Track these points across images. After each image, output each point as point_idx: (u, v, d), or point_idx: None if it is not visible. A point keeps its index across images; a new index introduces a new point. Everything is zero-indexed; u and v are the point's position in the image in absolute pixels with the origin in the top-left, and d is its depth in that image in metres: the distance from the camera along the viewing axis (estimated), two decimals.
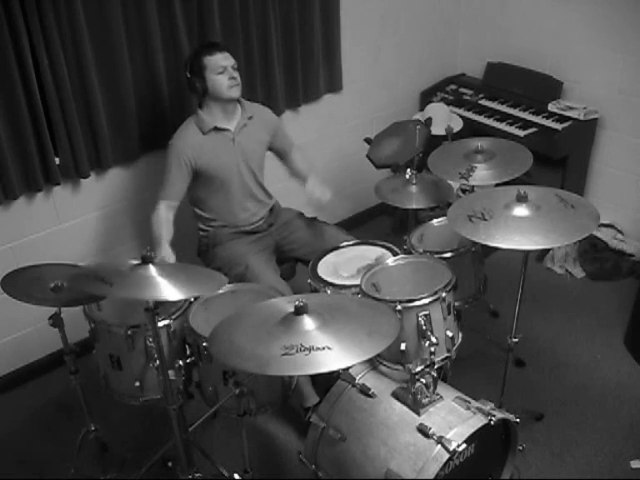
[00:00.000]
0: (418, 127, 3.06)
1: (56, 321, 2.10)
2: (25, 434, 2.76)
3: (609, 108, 3.56)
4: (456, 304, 2.20)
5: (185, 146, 2.59)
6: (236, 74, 2.60)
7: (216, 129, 2.64)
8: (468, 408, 1.92)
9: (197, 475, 2.16)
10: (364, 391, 2.02)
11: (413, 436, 1.86)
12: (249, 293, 2.28)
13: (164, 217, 2.58)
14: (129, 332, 2.07)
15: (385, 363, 2.09)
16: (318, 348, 1.55)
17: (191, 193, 2.70)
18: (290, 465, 2.51)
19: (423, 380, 1.90)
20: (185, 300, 2.19)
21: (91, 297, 2.09)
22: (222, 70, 2.56)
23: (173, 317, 2.12)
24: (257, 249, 2.73)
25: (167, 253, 2.47)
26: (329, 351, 1.55)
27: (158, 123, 2.98)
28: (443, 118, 3.71)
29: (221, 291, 2.27)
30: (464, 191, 3.30)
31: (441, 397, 1.95)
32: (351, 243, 2.62)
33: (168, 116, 2.98)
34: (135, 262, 1.81)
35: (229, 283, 2.38)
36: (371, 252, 2.52)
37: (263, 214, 2.85)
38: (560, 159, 3.58)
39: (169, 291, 1.70)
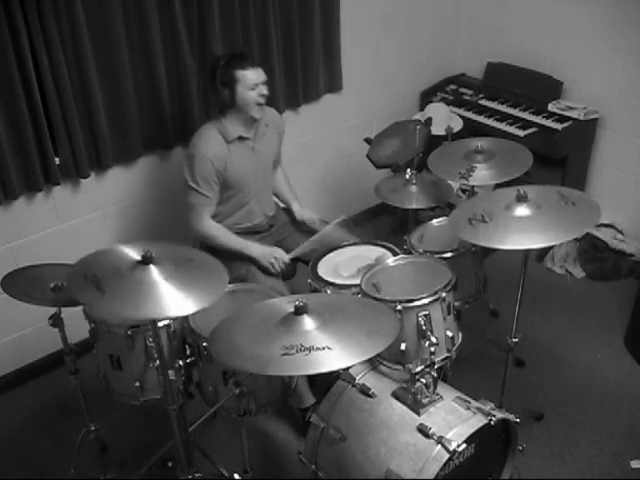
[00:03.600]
0: (418, 127, 3.06)
1: (56, 321, 2.10)
2: (25, 434, 2.76)
3: (609, 108, 3.56)
4: (456, 304, 2.21)
5: (215, 157, 2.55)
6: (266, 90, 2.57)
7: (240, 138, 2.63)
8: (468, 408, 1.92)
9: (197, 475, 2.16)
10: (364, 391, 2.02)
11: (413, 436, 1.86)
12: (249, 293, 2.28)
13: (218, 225, 2.65)
14: (129, 332, 2.07)
15: (385, 363, 2.09)
16: (318, 348, 1.56)
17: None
18: (290, 465, 2.51)
19: (423, 380, 1.90)
20: None
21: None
22: (254, 86, 2.53)
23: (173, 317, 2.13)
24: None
25: (266, 249, 2.62)
26: (329, 351, 1.56)
27: (158, 123, 2.98)
28: (443, 118, 3.71)
29: None
30: (464, 191, 3.31)
31: (441, 397, 1.95)
32: (351, 243, 2.62)
33: (168, 116, 2.98)
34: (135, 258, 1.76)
35: (229, 283, 2.38)
36: (371, 252, 2.52)
37: (267, 216, 2.85)
38: (560, 159, 3.58)
39: (170, 303, 1.65)
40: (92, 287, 1.67)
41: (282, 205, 2.99)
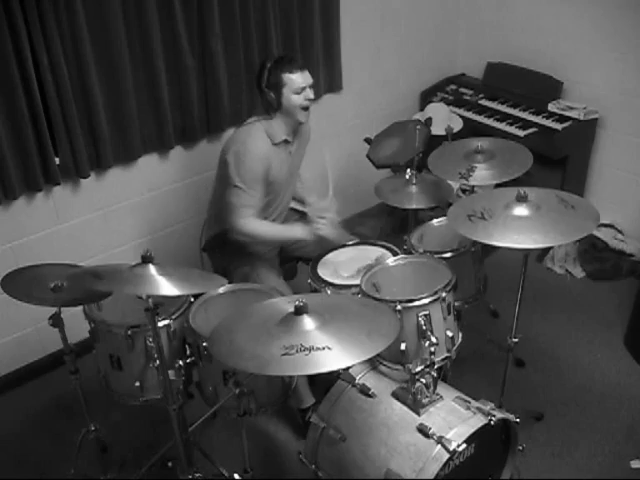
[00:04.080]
0: (418, 127, 3.06)
1: (56, 321, 2.10)
2: (25, 434, 2.76)
3: (609, 108, 3.56)
4: (456, 304, 2.21)
5: (265, 157, 2.50)
6: (312, 94, 2.52)
7: (285, 141, 2.60)
8: (468, 408, 1.92)
9: (197, 475, 2.16)
10: (364, 391, 2.02)
11: (413, 436, 1.86)
12: (249, 293, 2.28)
13: (262, 221, 2.56)
14: (129, 332, 2.07)
15: (385, 363, 2.09)
16: (318, 348, 1.56)
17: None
18: (290, 465, 2.51)
19: (423, 380, 1.90)
20: (185, 300, 2.19)
21: (91, 297, 2.09)
22: (301, 90, 2.48)
23: (173, 317, 2.13)
24: (264, 250, 2.72)
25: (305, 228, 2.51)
26: (329, 351, 1.55)
27: (158, 123, 2.97)
28: (443, 118, 3.71)
29: (221, 291, 2.28)
30: (464, 191, 3.31)
31: (441, 397, 1.95)
32: (351, 243, 2.62)
33: (168, 116, 2.97)
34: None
35: (233, 282, 2.38)
36: (371, 252, 2.52)
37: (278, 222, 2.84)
38: (560, 159, 3.58)
39: (164, 287, 1.69)
40: (92, 277, 1.76)
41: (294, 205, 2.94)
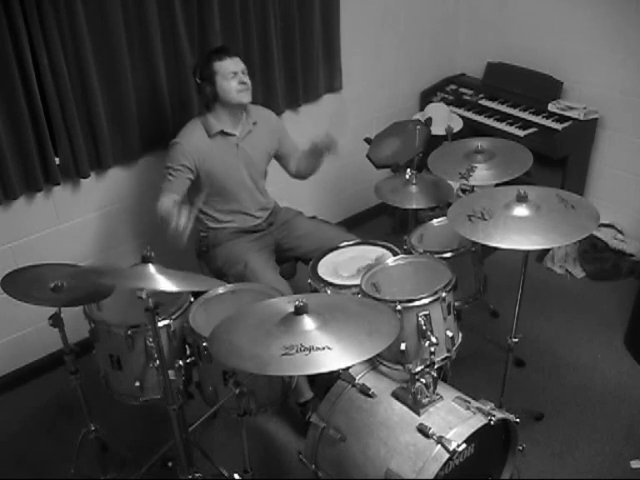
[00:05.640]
0: (418, 127, 3.06)
1: (56, 321, 2.10)
2: (25, 434, 2.76)
3: (609, 108, 3.56)
4: (456, 304, 2.20)
5: (191, 147, 2.58)
6: (246, 79, 2.60)
7: (222, 133, 2.64)
8: (468, 408, 1.92)
9: (197, 475, 2.16)
10: (364, 391, 2.02)
11: (413, 436, 1.86)
12: (249, 293, 2.28)
13: (170, 202, 2.50)
14: (129, 332, 2.07)
15: (385, 363, 2.09)
16: (318, 348, 1.56)
17: (192, 194, 2.68)
18: (290, 465, 2.51)
19: (423, 380, 1.90)
20: (185, 300, 2.19)
21: (91, 297, 2.09)
22: (232, 75, 2.56)
23: (173, 317, 2.13)
24: (257, 248, 2.73)
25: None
26: (329, 351, 1.55)
27: (158, 123, 2.98)
28: (443, 118, 3.72)
29: (221, 291, 2.28)
30: (464, 191, 3.31)
31: (441, 397, 1.95)
32: (351, 243, 2.62)
33: (168, 116, 2.98)
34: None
35: (229, 283, 2.38)
36: (371, 252, 2.52)
37: (263, 216, 2.85)
38: (560, 159, 3.58)
39: (165, 284, 1.70)
40: (94, 273, 1.78)
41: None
